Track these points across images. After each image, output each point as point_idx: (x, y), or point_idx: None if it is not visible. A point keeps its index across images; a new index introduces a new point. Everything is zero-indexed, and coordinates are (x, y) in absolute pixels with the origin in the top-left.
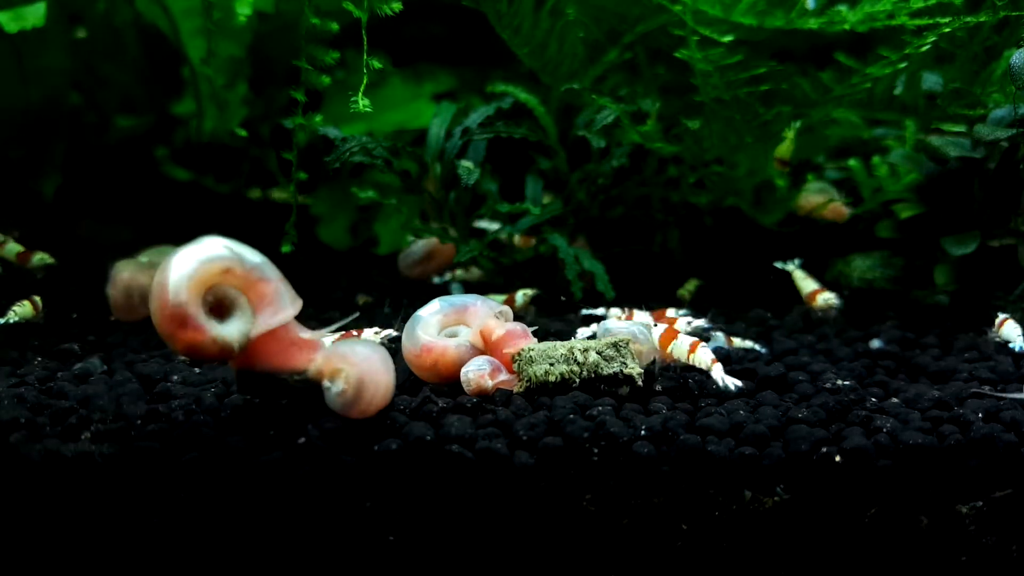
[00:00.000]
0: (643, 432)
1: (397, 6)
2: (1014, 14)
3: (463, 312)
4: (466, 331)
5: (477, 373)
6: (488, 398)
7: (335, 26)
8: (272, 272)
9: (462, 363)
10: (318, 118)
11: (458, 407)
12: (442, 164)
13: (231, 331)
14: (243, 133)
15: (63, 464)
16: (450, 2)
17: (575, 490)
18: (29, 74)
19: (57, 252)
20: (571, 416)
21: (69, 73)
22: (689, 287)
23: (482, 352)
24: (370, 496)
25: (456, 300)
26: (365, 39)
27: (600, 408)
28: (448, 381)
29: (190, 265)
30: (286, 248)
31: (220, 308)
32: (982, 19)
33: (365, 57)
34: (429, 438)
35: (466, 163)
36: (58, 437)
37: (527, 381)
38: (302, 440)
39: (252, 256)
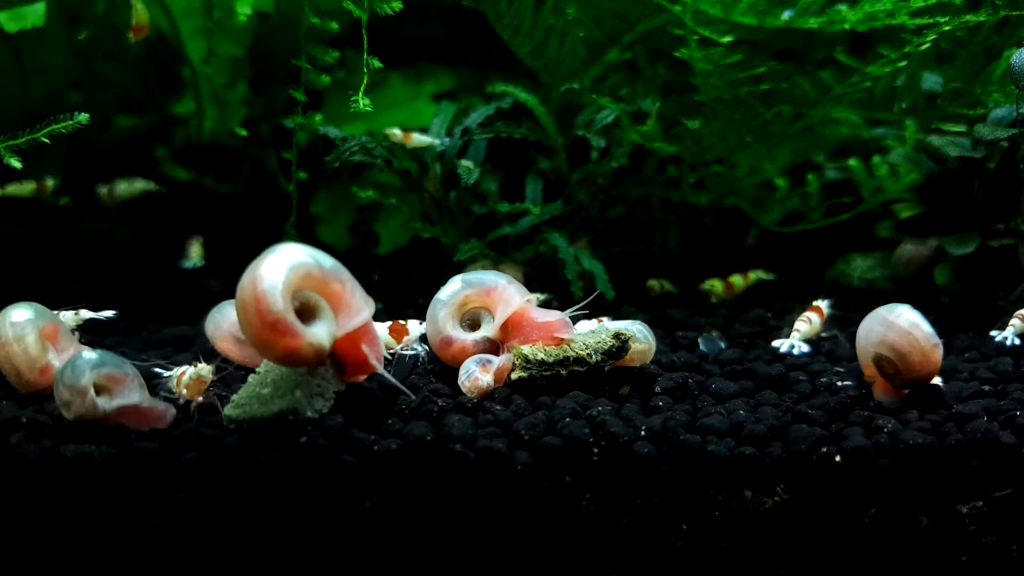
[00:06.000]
0: (643, 432)
1: (397, 6)
2: (1014, 14)
3: (485, 293)
4: (488, 318)
5: (470, 379)
6: (489, 397)
7: (335, 25)
8: (346, 274)
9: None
10: (318, 117)
11: (459, 407)
12: (442, 164)
13: (321, 334)
14: (243, 133)
15: (63, 464)
16: (450, 2)
17: (575, 490)
18: (29, 74)
19: (57, 252)
20: (571, 416)
21: (69, 73)
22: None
23: (500, 342)
24: (370, 496)
25: (476, 279)
26: (365, 39)
27: (600, 408)
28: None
29: (281, 272)
30: None
31: (302, 313)
32: (982, 19)
33: (365, 57)
34: (429, 438)
35: (466, 163)
36: (57, 437)
37: (522, 361)
38: (303, 440)
39: (327, 259)
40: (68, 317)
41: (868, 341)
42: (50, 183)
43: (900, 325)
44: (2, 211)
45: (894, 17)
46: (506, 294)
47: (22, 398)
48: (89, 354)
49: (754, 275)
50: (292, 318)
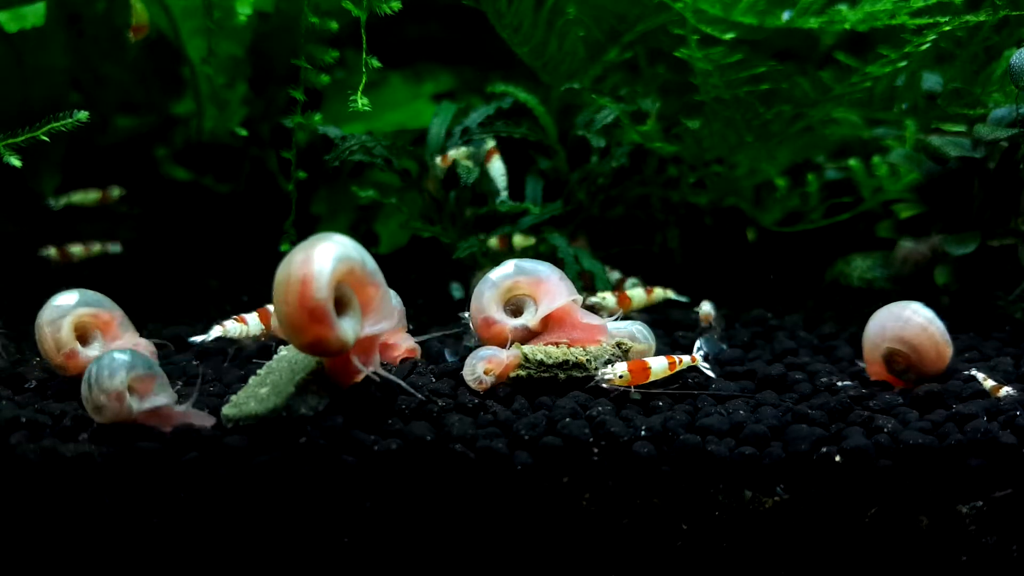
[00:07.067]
0: (643, 432)
1: (396, 5)
2: (1014, 14)
3: (535, 282)
4: (531, 307)
5: (474, 374)
6: (490, 394)
7: (335, 25)
8: (382, 279)
9: (519, 340)
10: (318, 117)
11: (459, 407)
12: None
13: (348, 330)
14: (243, 132)
15: (63, 464)
16: (450, 2)
17: (575, 490)
18: (29, 74)
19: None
20: (571, 416)
21: (69, 73)
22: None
23: (539, 333)
24: (370, 496)
25: (529, 267)
26: (364, 39)
27: (600, 408)
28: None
29: (330, 262)
30: (285, 247)
31: (336, 305)
32: (982, 19)
33: (364, 56)
34: (430, 438)
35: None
36: (57, 437)
37: (522, 359)
38: (303, 440)
39: (371, 260)
40: None
41: (882, 336)
42: (115, 192)
43: (918, 320)
44: (2, 211)
45: (894, 17)
46: (555, 288)
47: (21, 399)
48: (120, 355)
49: (661, 292)
50: (331, 308)
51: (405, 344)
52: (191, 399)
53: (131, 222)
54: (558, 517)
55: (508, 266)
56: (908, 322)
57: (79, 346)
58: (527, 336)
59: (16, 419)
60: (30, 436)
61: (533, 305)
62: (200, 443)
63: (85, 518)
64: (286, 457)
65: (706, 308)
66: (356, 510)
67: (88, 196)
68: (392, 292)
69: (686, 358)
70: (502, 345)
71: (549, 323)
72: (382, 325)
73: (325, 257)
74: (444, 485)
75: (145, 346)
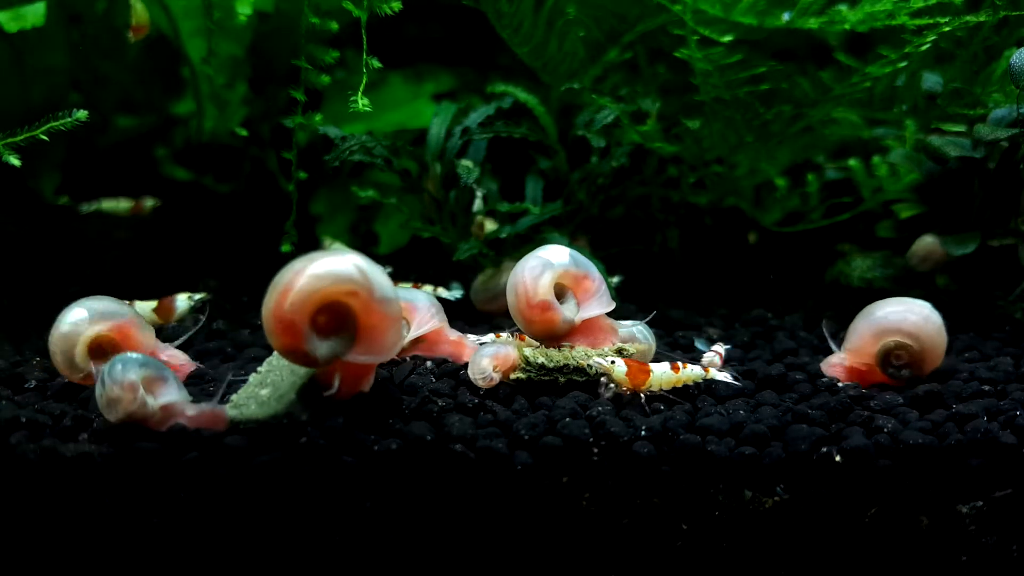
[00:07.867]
0: (643, 432)
1: (397, 6)
2: (1014, 14)
3: (582, 277)
4: (571, 300)
5: (480, 370)
6: (491, 393)
7: (335, 25)
8: (394, 310)
9: (561, 333)
10: (318, 117)
11: (459, 407)
12: (442, 163)
13: (322, 350)
14: (243, 133)
15: (63, 464)
16: (450, 2)
17: (575, 490)
18: (29, 74)
19: (56, 252)
20: (571, 416)
21: (69, 73)
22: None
23: (576, 327)
24: (370, 496)
25: (583, 261)
26: (365, 39)
27: (600, 408)
28: (535, 336)
29: (319, 281)
30: (286, 247)
31: (334, 322)
32: (982, 19)
33: (365, 56)
34: (429, 438)
35: (466, 162)
36: (57, 437)
37: (523, 362)
38: (303, 440)
39: (382, 287)
40: (182, 300)
41: (897, 330)
42: (149, 203)
43: (936, 319)
44: (2, 211)
45: (894, 18)
46: (597, 290)
47: (21, 399)
48: (131, 354)
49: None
50: (303, 323)
51: (461, 341)
52: (216, 398)
53: (131, 222)
54: (558, 517)
55: (563, 253)
56: (928, 319)
57: (94, 368)
58: (568, 331)
59: (16, 419)
60: (30, 436)
61: (572, 298)
62: (200, 443)
63: (85, 518)
64: (286, 457)
65: (711, 356)
66: (356, 510)
67: (119, 205)
68: (420, 293)
69: (697, 369)
70: (549, 334)
71: (580, 324)
72: (377, 356)
73: (316, 274)
74: (444, 485)
75: (186, 361)
